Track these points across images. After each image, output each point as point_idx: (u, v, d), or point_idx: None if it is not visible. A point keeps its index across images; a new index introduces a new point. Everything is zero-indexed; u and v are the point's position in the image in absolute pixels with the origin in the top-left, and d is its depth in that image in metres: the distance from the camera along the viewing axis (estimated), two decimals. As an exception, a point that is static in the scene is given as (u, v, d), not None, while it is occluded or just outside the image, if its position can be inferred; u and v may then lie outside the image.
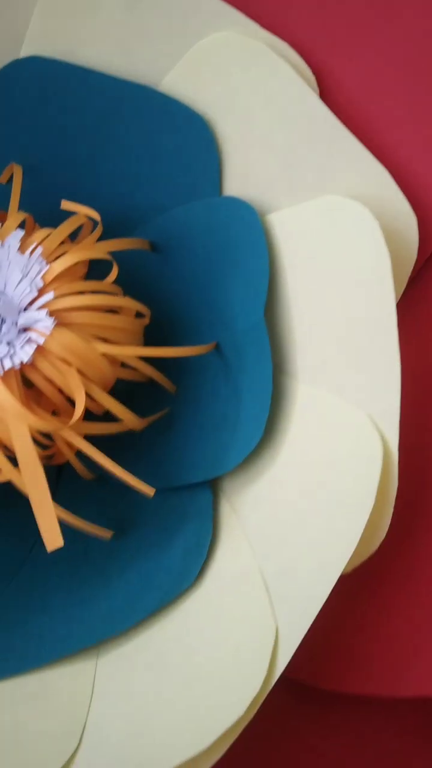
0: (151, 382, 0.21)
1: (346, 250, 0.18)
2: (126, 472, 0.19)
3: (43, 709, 0.17)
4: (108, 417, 0.20)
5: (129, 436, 0.21)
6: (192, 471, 0.20)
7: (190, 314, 0.22)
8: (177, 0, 0.21)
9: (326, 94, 0.20)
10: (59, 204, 0.22)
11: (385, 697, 0.18)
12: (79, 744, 0.15)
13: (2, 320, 0.20)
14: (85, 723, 0.16)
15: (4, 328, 0.20)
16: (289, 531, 0.17)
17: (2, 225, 0.21)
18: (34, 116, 0.23)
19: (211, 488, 0.20)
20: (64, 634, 0.18)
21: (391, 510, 0.17)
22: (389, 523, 0.17)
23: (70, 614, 0.18)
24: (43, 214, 0.22)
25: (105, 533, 0.19)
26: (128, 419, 0.20)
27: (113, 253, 0.21)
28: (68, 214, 0.21)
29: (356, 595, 0.18)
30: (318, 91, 0.20)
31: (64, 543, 0.18)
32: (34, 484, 0.18)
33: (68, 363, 0.19)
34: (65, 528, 0.19)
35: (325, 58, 0.20)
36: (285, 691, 0.16)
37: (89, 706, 0.16)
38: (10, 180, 0.22)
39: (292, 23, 0.20)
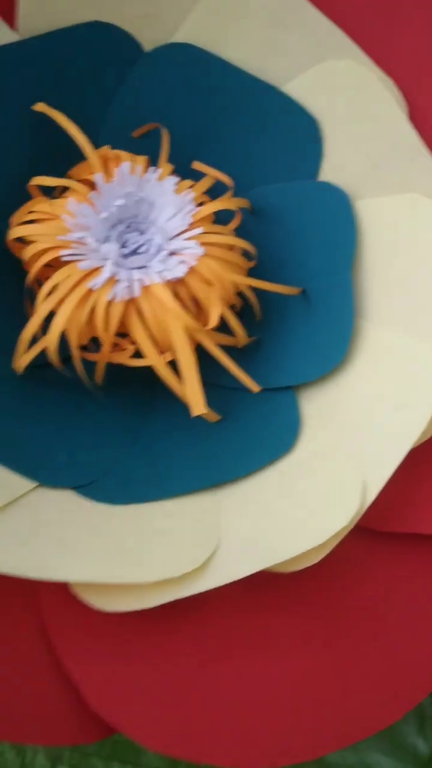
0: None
1: (422, 234, 0.26)
2: (240, 369, 0.26)
3: (182, 522, 0.23)
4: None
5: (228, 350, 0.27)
6: (281, 377, 0.27)
7: (280, 264, 0.29)
8: (313, 28, 0.28)
9: (414, 120, 0.27)
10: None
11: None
12: (218, 543, 0.22)
13: (150, 243, 0.26)
14: (220, 529, 0.22)
15: (153, 249, 0.26)
16: (365, 417, 0.24)
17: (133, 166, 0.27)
18: (174, 90, 0.29)
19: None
20: (190, 475, 0.24)
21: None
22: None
23: (192, 464, 0.25)
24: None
25: (214, 416, 0.26)
26: (240, 334, 0.26)
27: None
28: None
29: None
30: (408, 115, 0.27)
31: (181, 417, 0.25)
32: (187, 366, 0.24)
33: (210, 283, 0.26)
34: (180, 408, 0.25)
35: (416, 90, 0.28)
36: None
37: (220, 520, 0.22)
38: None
39: (395, 60, 0.28)
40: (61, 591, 0.21)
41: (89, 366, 0.26)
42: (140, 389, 0.27)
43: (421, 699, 0.21)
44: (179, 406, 0.26)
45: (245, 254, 0.27)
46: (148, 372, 0.26)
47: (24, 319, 0.27)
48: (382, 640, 0.22)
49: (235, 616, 0.21)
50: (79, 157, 0.28)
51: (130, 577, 0.20)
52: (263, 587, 0.21)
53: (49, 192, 0.28)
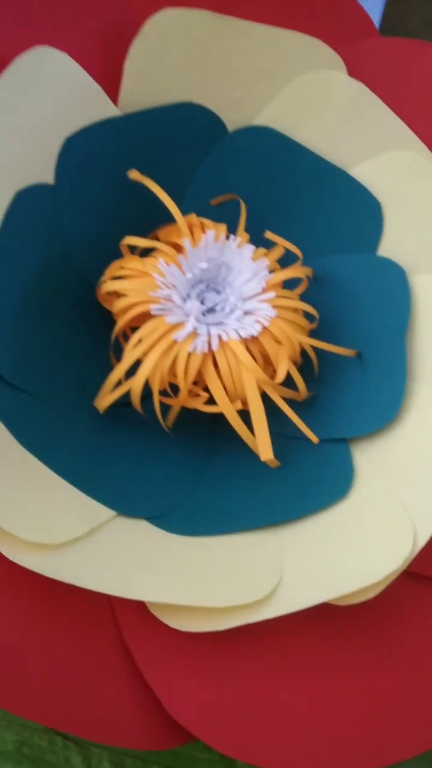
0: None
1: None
2: (301, 421, 0.28)
3: (246, 556, 0.26)
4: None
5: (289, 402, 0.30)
6: (337, 430, 0.29)
7: (339, 327, 0.32)
8: (380, 121, 0.31)
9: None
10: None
11: None
12: (281, 576, 0.24)
13: (226, 302, 0.29)
14: (282, 564, 0.25)
15: (228, 307, 0.29)
16: (414, 469, 0.27)
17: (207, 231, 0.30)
18: (252, 166, 0.33)
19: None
20: (253, 514, 0.27)
21: None
22: None
23: (254, 503, 0.27)
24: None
25: (275, 462, 0.29)
26: (302, 389, 0.29)
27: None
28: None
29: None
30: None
31: (242, 458, 0.28)
32: (258, 416, 0.27)
33: (280, 342, 0.29)
34: (240, 450, 0.28)
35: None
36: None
37: (282, 556, 0.25)
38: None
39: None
40: (139, 608, 0.23)
41: (163, 409, 0.29)
42: (203, 432, 0.30)
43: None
44: (239, 449, 0.28)
45: (307, 316, 0.31)
46: (211, 417, 0.29)
47: (103, 362, 0.31)
48: (427, 669, 0.24)
49: (295, 641, 0.24)
50: (162, 219, 0.32)
51: (205, 601, 0.23)
52: (321, 617, 0.24)
53: (134, 250, 0.31)
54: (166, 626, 0.23)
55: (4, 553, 0.22)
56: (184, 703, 0.22)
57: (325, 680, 0.23)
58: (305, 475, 0.28)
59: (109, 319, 0.30)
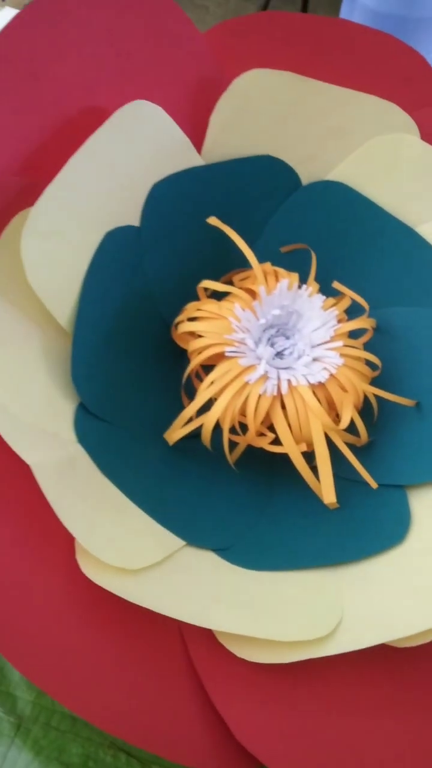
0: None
1: None
2: (362, 466, 0.30)
3: (306, 593, 0.27)
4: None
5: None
6: (394, 476, 0.31)
7: (398, 377, 0.33)
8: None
9: None
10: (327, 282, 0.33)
11: None
12: (342, 615, 0.26)
13: (294, 347, 0.31)
14: (342, 602, 0.26)
15: (296, 353, 0.31)
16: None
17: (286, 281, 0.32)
18: (322, 218, 0.34)
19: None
20: (312, 552, 0.28)
21: None
22: None
23: (314, 541, 0.29)
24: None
25: (335, 504, 0.30)
26: (364, 435, 0.31)
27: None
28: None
29: None
30: None
31: (301, 497, 0.29)
32: (323, 458, 0.28)
33: (345, 390, 0.30)
34: (299, 488, 0.29)
35: None
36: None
37: (342, 595, 0.26)
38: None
39: None
40: (207, 637, 0.25)
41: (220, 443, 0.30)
42: (262, 470, 0.31)
43: None
44: (298, 488, 0.30)
45: (369, 364, 0.32)
46: (269, 456, 0.31)
47: (173, 397, 0.32)
48: None
49: (356, 679, 0.25)
50: (234, 263, 0.33)
51: (273, 635, 0.24)
52: (380, 658, 0.25)
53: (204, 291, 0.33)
54: (232, 655, 0.24)
55: (87, 575, 0.23)
56: (253, 731, 0.23)
57: (383, 719, 0.24)
58: (363, 519, 0.30)
59: (179, 355, 0.32)
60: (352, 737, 0.23)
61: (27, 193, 0.28)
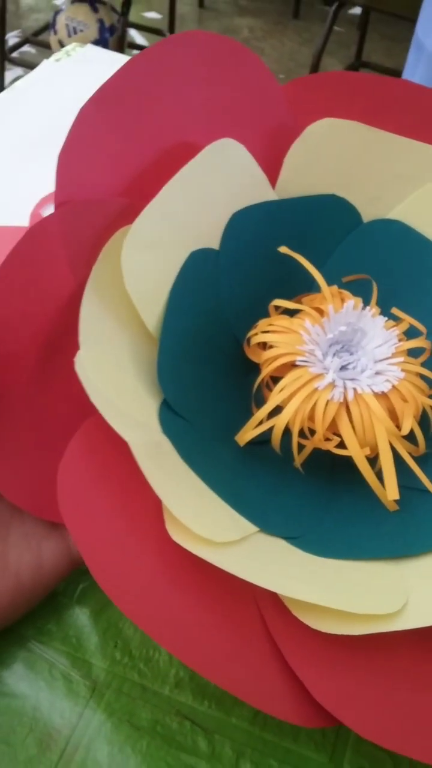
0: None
1: None
2: (421, 471, 0.32)
3: (372, 579, 0.29)
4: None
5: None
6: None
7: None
8: None
9: None
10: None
11: None
12: (407, 598, 0.27)
13: (358, 362, 0.34)
14: (407, 588, 0.28)
15: (359, 367, 0.34)
16: None
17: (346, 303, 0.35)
18: (381, 253, 0.38)
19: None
20: (375, 546, 0.30)
21: None
22: None
23: (376, 538, 0.31)
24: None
25: (395, 505, 0.32)
26: (422, 444, 0.33)
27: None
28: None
29: None
30: None
31: (362, 498, 0.31)
32: (387, 461, 0.31)
33: (406, 401, 0.33)
34: (359, 490, 0.32)
35: None
36: None
37: (407, 583, 0.28)
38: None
39: None
40: (281, 610, 0.27)
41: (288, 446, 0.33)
42: (324, 472, 0.34)
43: None
44: (359, 490, 0.32)
45: (426, 381, 0.35)
46: (330, 459, 0.33)
47: (242, 405, 0.35)
48: None
49: (415, 657, 0.26)
50: (298, 290, 0.37)
51: (347, 606, 0.26)
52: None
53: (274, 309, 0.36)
54: (305, 626, 0.26)
55: (178, 542, 0.26)
56: (328, 691, 0.24)
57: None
58: (421, 520, 0.32)
59: (249, 371, 0.35)
60: (420, 701, 0.25)
61: (127, 213, 0.32)
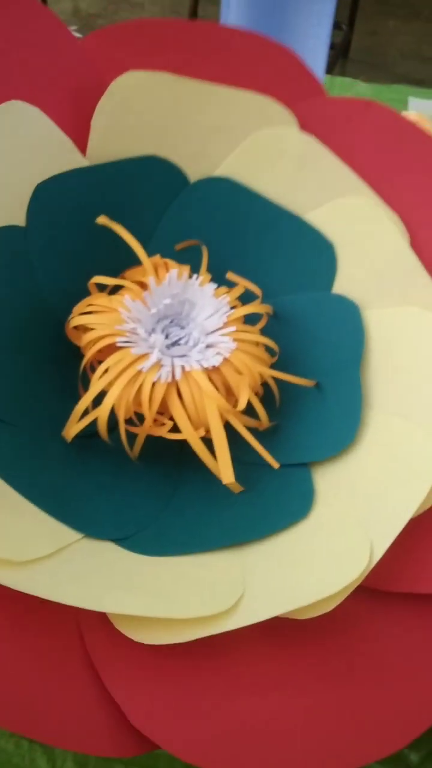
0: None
1: (418, 340, 0.31)
2: (262, 447, 0.30)
3: (210, 573, 0.26)
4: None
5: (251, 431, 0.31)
6: (297, 455, 0.31)
7: (298, 360, 0.33)
8: (331, 171, 0.34)
9: (414, 248, 0.33)
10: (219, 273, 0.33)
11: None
12: (243, 592, 0.25)
13: (189, 336, 0.31)
14: (244, 580, 0.25)
15: (191, 341, 0.31)
16: (371, 489, 0.28)
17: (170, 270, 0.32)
18: (212, 214, 0.35)
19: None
20: (217, 535, 0.28)
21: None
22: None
23: (219, 525, 0.28)
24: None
25: (238, 486, 0.29)
26: (264, 418, 0.31)
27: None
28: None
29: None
30: (409, 243, 0.33)
31: (208, 485, 0.29)
32: (220, 441, 0.28)
33: (240, 373, 0.30)
34: (206, 477, 0.29)
35: (416, 224, 0.33)
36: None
37: (245, 573, 0.26)
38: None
39: (400, 199, 0.34)
40: (102, 623, 0.24)
41: (129, 437, 0.30)
42: (169, 461, 0.31)
43: (424, 730, 0.23)
44: (204, 476, 0.29)
45: (269, 350, 0.32)
46: (178, 446, 0.30)
47: (74, 395, 0.32)
48: (385, 681, 0.24)
49: (256, 655, 0.24)
50: (129, 262, 0.34)
51: (167, 613, 0.23)
52: (281, 633, 0.24)
53: (103, 288, 0.33)
54: (130, 641, 0.23)
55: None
56: (146, 713, 0.22)
57: (283, 693, 0.23)
58: (268, 499, 0.29)
59: (77, 354, 0.32)
60: (250, 713, 0.23)
61: None
